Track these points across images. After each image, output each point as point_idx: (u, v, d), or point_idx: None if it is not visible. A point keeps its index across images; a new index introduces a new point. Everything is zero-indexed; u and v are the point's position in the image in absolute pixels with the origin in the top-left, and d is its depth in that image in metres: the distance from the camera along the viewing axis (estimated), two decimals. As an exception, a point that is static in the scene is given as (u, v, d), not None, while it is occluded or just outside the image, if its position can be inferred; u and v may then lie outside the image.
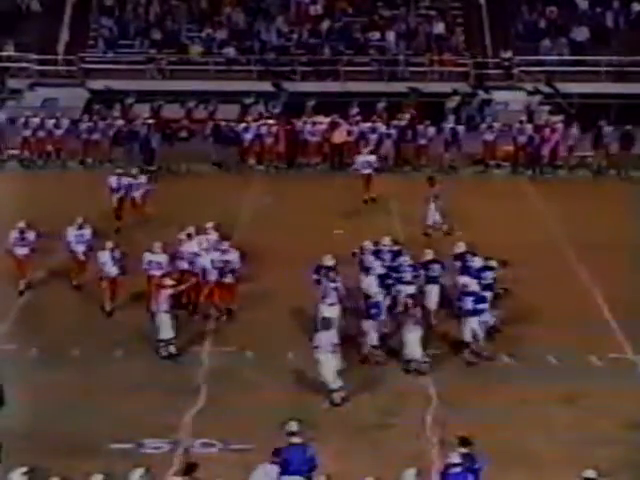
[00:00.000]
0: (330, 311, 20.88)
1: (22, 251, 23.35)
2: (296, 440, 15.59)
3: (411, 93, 38.92)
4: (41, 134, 35.01)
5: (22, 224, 23.54)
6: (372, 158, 31.31)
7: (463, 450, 15.41)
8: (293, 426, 15.82)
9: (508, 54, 40.38)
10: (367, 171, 30.93)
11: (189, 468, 14.94)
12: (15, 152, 35.23)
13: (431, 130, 34.97)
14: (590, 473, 14.98)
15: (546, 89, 39.69)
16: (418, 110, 36.52)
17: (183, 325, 21.92)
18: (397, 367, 20.51)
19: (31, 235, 23.55)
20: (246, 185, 32.56)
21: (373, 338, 20.70)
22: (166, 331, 20.81)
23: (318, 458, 15.51)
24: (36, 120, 34.99)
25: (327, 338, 19.25)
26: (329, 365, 19.05)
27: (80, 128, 35.08)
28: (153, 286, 22.18)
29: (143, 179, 29.27)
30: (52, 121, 35.06)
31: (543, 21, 42.12)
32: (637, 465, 17.00)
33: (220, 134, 34.78)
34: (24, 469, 14.68)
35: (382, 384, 19.76)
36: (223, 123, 35.17)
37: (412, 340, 20.21)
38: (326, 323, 19.71)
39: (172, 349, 20.87)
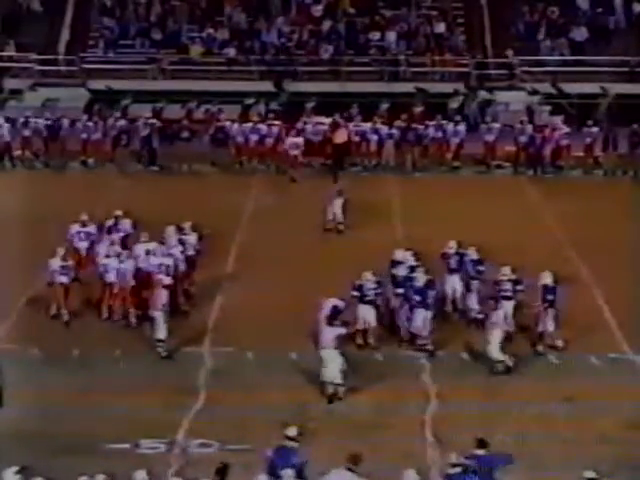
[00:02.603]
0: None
1: (64, 279, 22.51)
2: (288, 444, 15.58)
3: (418, 93, 38.86)
4: (44, 134, 34.98)
5: (62, 251, 22.85)
6: (299, 140, 33.75)
7: (480, 452, 15.40)
8: (291, 431, 15.79)
9: (510, 53, 40.37)
10: (295, 152, 33.51)
11: (222, 470, 14.90)
12: (16, 152, 35.14)
13: (432, 130, 34.96)
14: (591, 474, 14.95)
15: (548, 89, 39.66)
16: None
17: (183, 325, 21.93)
18: (397, 367, 20.51)
19: (71, 263, 22.88)
20: (247, 185, 32.55)
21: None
22: (160, 331, 20.83)
23: (304, 465, 15.37)
24: (39, 120, 34.96)
25: (331, 334, 19.27)
26: (332, 361, 19.06)
27: (80, 128, 35.04)
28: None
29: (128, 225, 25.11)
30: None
31: (544, 21, 42.08)
32: (637, 465, 16.97)
33: (216, 135, 34.77)
34: (16, 468, 14.68)
35: (382, 383, 19.73)
36: (223, 123, 35.12)
37: (493, 341, 20.32)
38: (331, 319, 19.66)
39: (161, 350, 20.90)
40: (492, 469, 15.36)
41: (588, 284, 24.70)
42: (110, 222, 24.83)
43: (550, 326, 21.25)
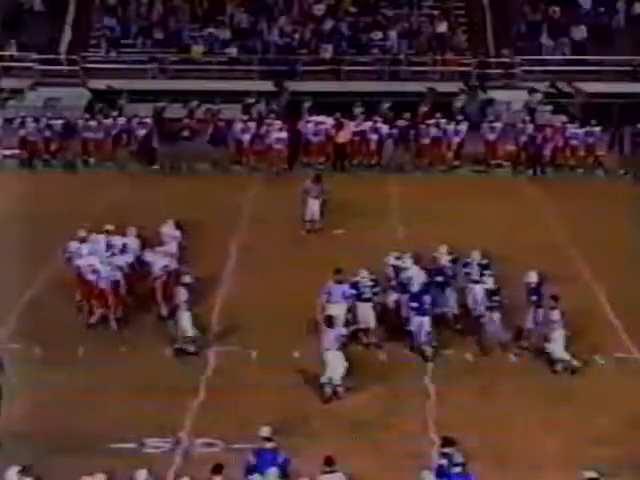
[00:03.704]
0: (336, 309, 20.93)
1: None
2: (265, 445, 15.64)
3: (428, 93, 38.88)
4: (45, 134, 34.96)
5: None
6: (283, 135, 34.15)
7: (447, 450, 15.54)
8: (265, 431, 15.84)
9: (506, 52, 40.46)
10: (278, 146, 34.02)
11: (217, 468, 15.08)
12: (14, 152, 35.12)
13: (433, 130, 34.96)
14: (591, 474, 14.97)
15: (550, 89, 39.72)
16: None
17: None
18: (397, 366, 20.52)
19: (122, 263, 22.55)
20: (247, 185, 32.54)
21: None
22: (187, 329, 20.89)
23: (286, 463, 15.58)
24: (40, 119, 34.96)
25: (332, 335, 19.20)
26: (335, 362, 18.99)
27: (81, 128, 35.06)
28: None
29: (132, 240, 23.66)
30: (54, 121, 35.03)
31: (546, 21, 42.11)
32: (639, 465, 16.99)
33: (215, 134, 34.79)
34: (19, 467, 14.70)
35: (382, 383, 19.74)
36: (222, 123, 35.12)
37: (556, 340, 20.32)
38: (331, 321, 19.63)
39: (191, 348, 20.93)
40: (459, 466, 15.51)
41: (590, 284, 24.68)
42: (102, 238, 23.49)
43: (532, 325, 21.20)
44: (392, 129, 34.84)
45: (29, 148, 34.82)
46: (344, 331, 19.67)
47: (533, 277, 21.47)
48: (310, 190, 28.35)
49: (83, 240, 23.26)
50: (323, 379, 19.09)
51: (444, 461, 15.38)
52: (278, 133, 34.26)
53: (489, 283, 21.68)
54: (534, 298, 21.22)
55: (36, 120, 34.94)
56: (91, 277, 21.96)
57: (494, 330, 21.16)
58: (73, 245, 23.15)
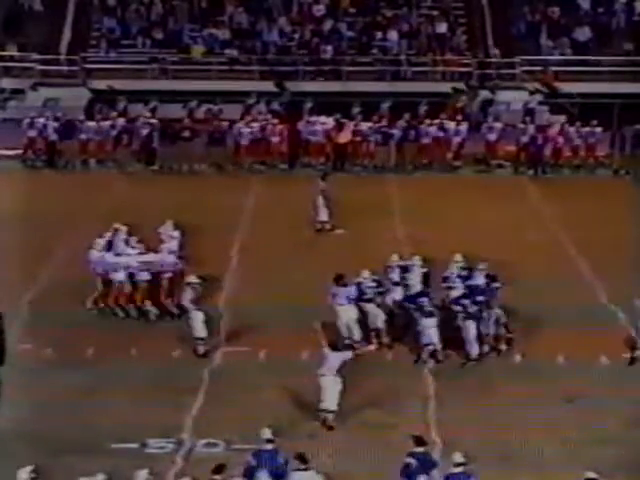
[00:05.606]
0: (345, 311, 20.95)
1: (145, 276, 22.47)
2: (269, 447, 15.70)
3: (454, 92, 38.87)
4: (47, 134, 34.96)
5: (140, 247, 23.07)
6: (248, 130, 34.32)
7: (419, 449, 15.57)
8: (266, 433, 15.87)
9: (497, 52, 40.53)
10: (245, 142, 34.33)
11: (219, 468, 15.15)
12: (17, 152, 35.15)
13: (433, 129, 34.98)
14: (591, 474, 15.00)
15: (547, 89, 39.83)
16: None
17: (186, 325, 21.94)
18: (398, 366, 20.55)
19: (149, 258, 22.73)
20: (247, 185, 32.56)
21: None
22: (199, 329, 20.94)
23: (288, 466, 15.59)
24: (42, 120, 34.95)
25: (337, 360, 18.49)
26: (330, 390, 18.40)
27: (82, 128, 35.06)
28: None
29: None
30: (58, 121, 35.05)
31: (545, 21, 42.15)
32: (638, 465, 16.99)
33: (214, 134, 34.80)
34: (30, 468, 14.74)
35: (383, 383, 19.75)
36: (221, 123, 35.11)
37: None
38: (335, 344, 19.16)
39: (201, 349, 21.00)
40: (432, 467, 15.57)
41: (591, 284, 24.69)
42: (109, 235, 23.75)
43: (491, 329, 21.04)
44: (392, 129, 34.85)
45: (37, 148, 34.84)
46: (350, 355, 18.78)
47: (480, 279, 21.31)
48: (324, 189, 28.31)
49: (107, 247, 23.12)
50: (322, 406, 18.43)
51: (411, 460, 15.41)
52: (245, 128, 34.34)
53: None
54: (481, 299, 20.88)
55: (43, 121, 34.98)
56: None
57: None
58: (94, 255, 22.94)
